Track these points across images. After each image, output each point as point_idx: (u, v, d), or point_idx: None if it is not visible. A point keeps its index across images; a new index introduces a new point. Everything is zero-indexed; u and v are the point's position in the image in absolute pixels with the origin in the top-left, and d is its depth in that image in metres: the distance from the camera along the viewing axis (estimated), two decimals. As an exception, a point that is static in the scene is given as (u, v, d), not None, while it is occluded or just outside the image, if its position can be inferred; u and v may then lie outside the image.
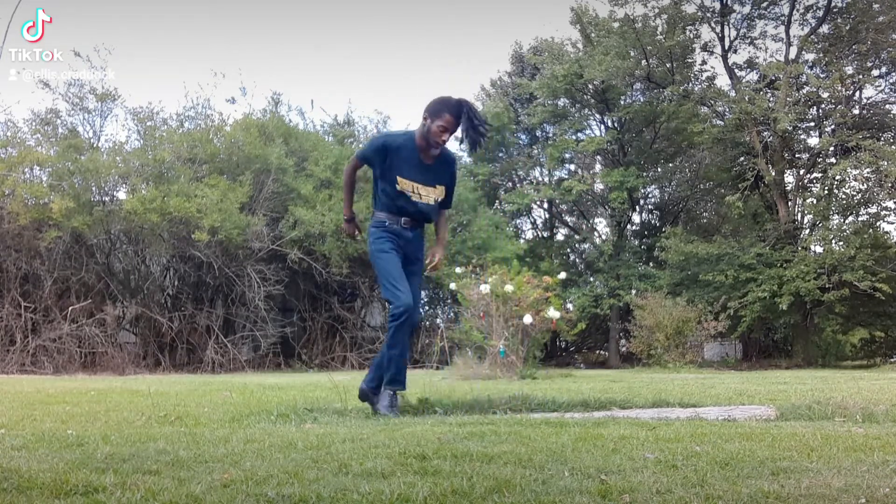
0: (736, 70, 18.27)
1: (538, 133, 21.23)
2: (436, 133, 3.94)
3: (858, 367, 15.51)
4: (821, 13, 17.22)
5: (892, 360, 17.24)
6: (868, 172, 16.18)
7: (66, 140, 13.78)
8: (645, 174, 19.87)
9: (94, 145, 14.40)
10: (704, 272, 16.45)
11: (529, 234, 22.00)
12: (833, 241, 16.38)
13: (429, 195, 4.08)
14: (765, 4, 17.68)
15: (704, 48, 18.31)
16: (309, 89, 48.64)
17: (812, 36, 17.24)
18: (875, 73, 17.41)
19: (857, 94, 17.83)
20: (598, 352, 20.99)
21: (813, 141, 18.06)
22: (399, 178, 3.99)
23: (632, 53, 17.51)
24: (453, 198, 4.30)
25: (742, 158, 18.56)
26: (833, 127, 16.94)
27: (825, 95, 16.62)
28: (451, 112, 3.93)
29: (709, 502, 1.84)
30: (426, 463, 2.30)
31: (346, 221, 4.37)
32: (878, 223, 17.27)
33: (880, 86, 17.87)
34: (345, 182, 4.27)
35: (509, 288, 9.19)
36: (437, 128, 3.93)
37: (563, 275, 10.94)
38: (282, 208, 14.50)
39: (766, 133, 17.40)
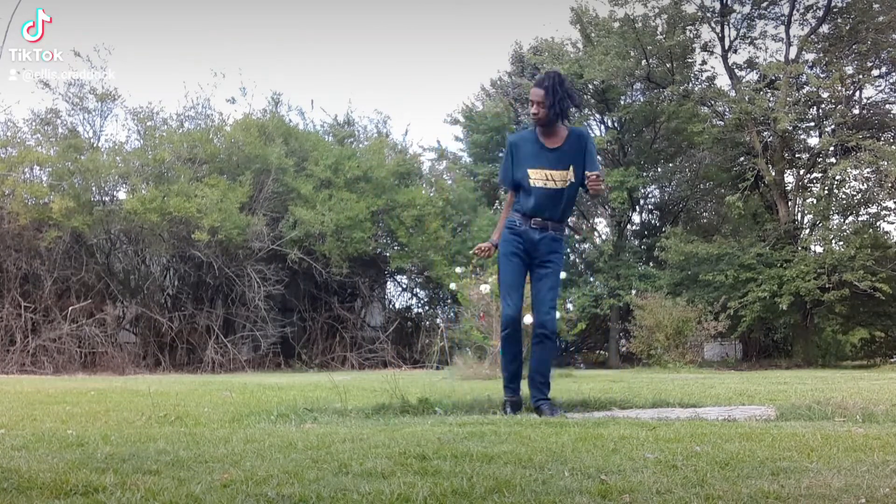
0: (736, 70, 18.27)
1: (538, 133, 21.22)
2: (530, 110, 4.00)
3: (858, 367, 15.51)
4: (821, 13, 17.22)
5: (892, 360, 17.23)
6: (868, 172, 16.18)
7: (66, 140, 13.78)
8: (645, 174, 19.86)
9: (94, 145, 14.40)
10: (704, 272, 16.44)
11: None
12: (833, 241, 16.37)
13: (563, 179, 3.97)
14: (765, 4, 17.67)
15: (704, 48, 18.31)
16: (309, 89, 48.66)
17: (812, 36, 17.23)
18: (875, 73, 17.42)
19: (857, 94, 17.85)
20: (598, 352, 20.97)
21: (813, 141, 18.06)
22: (528, 171, 3.95)
23: (632, 53, 17.51)
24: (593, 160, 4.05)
25: (742, 158, 18.56)
26: (833, 127, 16.93)
27: (825, 95, 16.62)
28: (537, 84, 3.96)
29: (709, 502, 1.84)
30: (426, 463, 2.30)
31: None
32: (878, 223, 17.27)
33: (880, 86, 17.88)
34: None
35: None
36: (530, 105, 3.99)
37: (563, 275, 10.92)
38: (282, 208, 14.50)
39: (766, 133, 17.39)
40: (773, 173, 17.07)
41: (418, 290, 18.63)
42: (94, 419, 3.95)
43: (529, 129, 4.11)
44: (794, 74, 16.50)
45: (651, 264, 19.11)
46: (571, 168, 3.96)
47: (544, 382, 4.02)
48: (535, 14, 39.09)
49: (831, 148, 16.67)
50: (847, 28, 16.82)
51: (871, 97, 18.23)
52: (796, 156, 18.41)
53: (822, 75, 16.81)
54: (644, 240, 20.96)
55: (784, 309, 15.42)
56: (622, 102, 19.69)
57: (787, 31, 17.54)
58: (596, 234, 21.63)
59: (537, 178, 3.93)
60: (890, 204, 17.03)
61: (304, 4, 34.08)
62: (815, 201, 17.23)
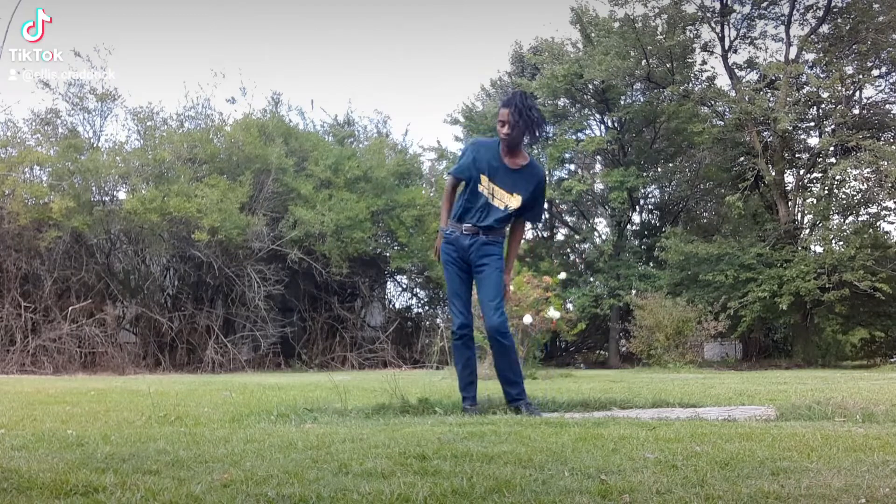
0: (736, 70, 18.27)
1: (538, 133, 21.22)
2: (498, 129, 3.99)
3: (858, 367, 15.50)
4: (821, 13, 17.21)
5: (892, 360, 17.22)
6: (868, 172, 16.16)
7: (66, 140, 13.78)
8: (645, 174, 19.85)
9: (94, 145, 14.40)
10: (704, 272, 16.43)
11: (529, 234, 21.99)
12: (833, 241, 16.36)
13: (503, 200, 4.01)
14: (765, 4, 17.66)
15: (704, 48, 18.30)
16: (309, 89, 48.67)
17: (812, 36, 17.22)
18: (875, 73, 17.40)
19: (857, 94, 17.82)
20: (598, 352, 20.97)
21: (813, 141, 18.06)
22: (481, 176, 4.00)
23: (632, 53, 17.49)
24: (540, 213, 4.29)
25: (742, 158, 18.55)
26: (833, 127, 16.93)
27: (825, 95, 16.60)
28: (504, 105, 3.98)
29: (709, 502, 1.84)
30: (426, 463, 2.30)
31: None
32: (878, 223, 17.26)
33: (880, 86, 17.87)
34: (444, 199, 4.26)
35: (510, 288, 9.16)
36: (497, 123, 4.00)
37: (563, 275, 10.92)
38: (282, 208, 14.50)
39: (766, 133, 17.38)
40: (773, 173, 17.06)
41: (418, 290, 18.63)
42: (94, 419, 3.95)
43: (496, 140, 4.10)
44: (794, 74, 16.50)
45: (651, 264, 19.10)
46: (518, 196, 4.02)
47: (515, 381, 4.06)
48: (535, 14, 39.11)
49: (831, 148, 16.67)
50: (847, 28, 16.81)
51: (871, 97, 18.25)
52: (796, 156, 18.40)
53: (822, 75, 16.80)
54: (644, 240, 20.95)
55: (784, 309, 15.41)
56: (622, 102, 19.68)
57: (787, 31, 17.54)
58: (596, 234, 21.64)
59: (484, 187, 4.01)
60: (890, 204, 17.04)
61: (305, 5, 34.06)
62: (815, 201, 17.22)
